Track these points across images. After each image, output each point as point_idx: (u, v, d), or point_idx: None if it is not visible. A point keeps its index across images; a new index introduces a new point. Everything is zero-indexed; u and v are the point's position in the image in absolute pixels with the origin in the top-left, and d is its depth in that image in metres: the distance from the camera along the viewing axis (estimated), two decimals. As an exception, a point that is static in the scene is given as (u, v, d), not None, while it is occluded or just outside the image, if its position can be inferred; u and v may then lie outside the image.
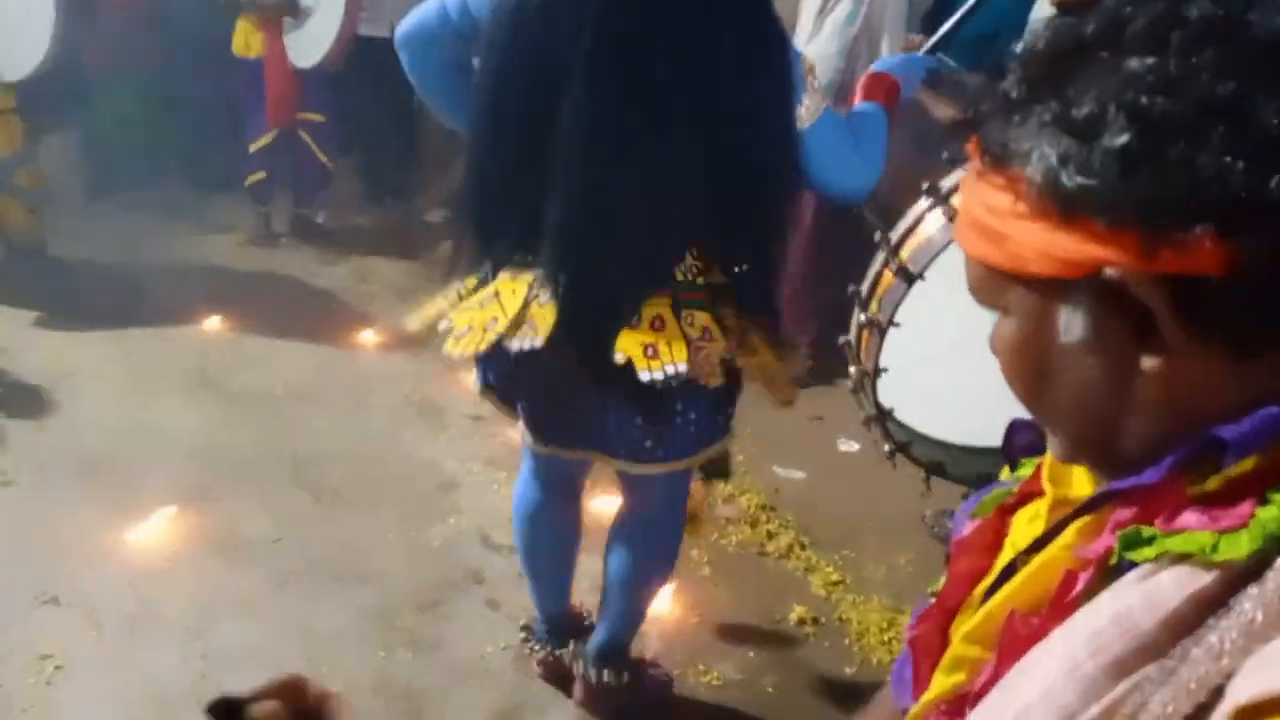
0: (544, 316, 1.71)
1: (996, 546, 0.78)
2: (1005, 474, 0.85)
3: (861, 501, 3.07)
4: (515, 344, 1.73)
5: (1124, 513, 0.60)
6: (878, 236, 1.80)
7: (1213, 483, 0.56)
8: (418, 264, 4.76)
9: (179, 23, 4.96)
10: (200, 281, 4.42)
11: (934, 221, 1.71)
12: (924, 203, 1.73)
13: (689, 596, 2.68)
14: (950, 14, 3.58)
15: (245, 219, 4.98)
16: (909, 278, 1.68)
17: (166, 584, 2.60)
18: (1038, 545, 0.68)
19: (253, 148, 4.66)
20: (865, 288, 1.81)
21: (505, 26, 1.66)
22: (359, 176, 5.50)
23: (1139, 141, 0.53)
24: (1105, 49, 0.56)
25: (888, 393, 1.80)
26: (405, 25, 1.93)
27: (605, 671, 2.25)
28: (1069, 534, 0.66)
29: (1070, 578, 0.63)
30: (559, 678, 2.36)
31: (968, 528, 0.81)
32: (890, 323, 1.72)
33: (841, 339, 1.94)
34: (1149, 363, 0.57)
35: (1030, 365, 0.64)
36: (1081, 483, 0.72)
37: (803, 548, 2.90)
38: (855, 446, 3.42)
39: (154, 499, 2.88)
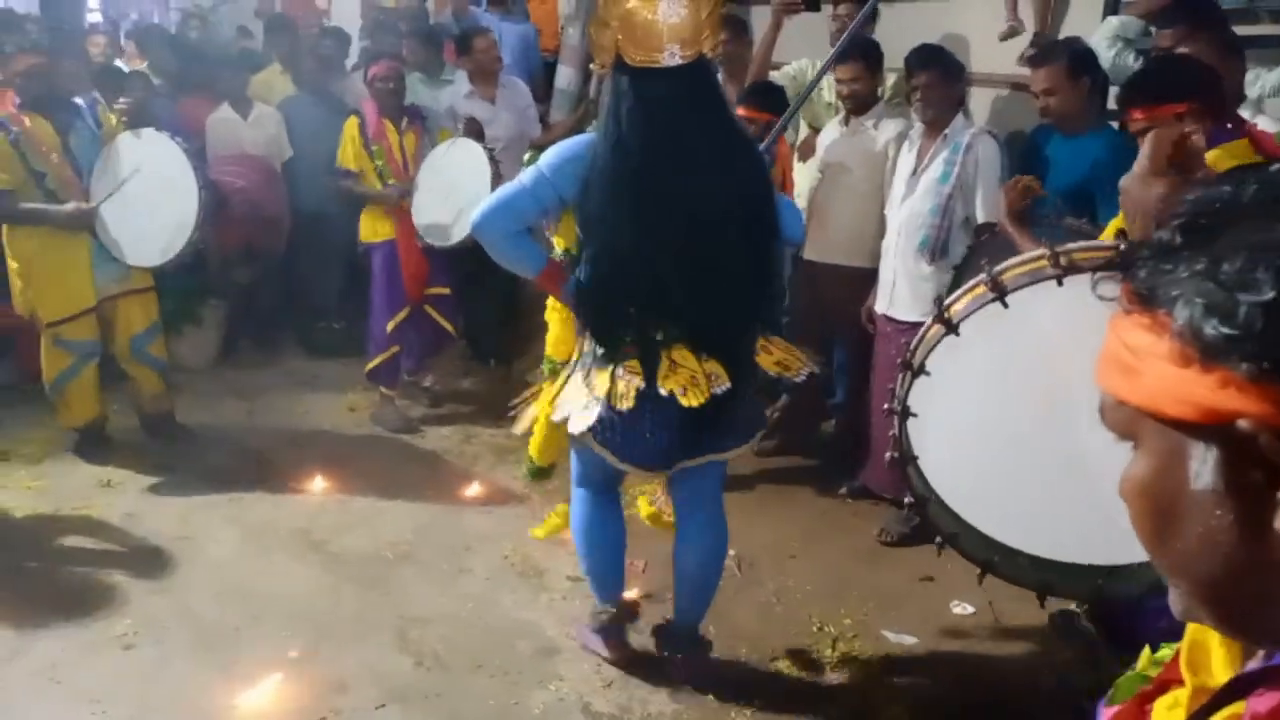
0: (717, 369, 2.50)
1: None
2: (1144, 658, 0.83)
3: (978, 668, 2.93)
4: (718, 389, 2.48)
5: (1262, 701, 0.58)
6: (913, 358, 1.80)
7: None
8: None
9: (303, 208, 5.37)
10: (311, 444, 4.60)
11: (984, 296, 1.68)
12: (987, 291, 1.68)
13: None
14: (1039, 158, 3.64)
15: (354, 383, 5.17)
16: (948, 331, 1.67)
17: (271, 751, 2.60)
18: None
19: (390, 326, 4.81)
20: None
21: (612, 196, 2.46)
22: (464, 341, 5.71)
23: None
24: (1260, 214, 0.60)
25: (937, 477, 1.76)
26: (485, 210, 2.57)
27: (698, 650, 2.93)
28: None
29: None
30: (629, 659, 2.95)
31: (1105, 715, 0.80)
32: (908, 410, 1.73)
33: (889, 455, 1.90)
34: None
35: (1157, 509, 0.64)
36: (1220, 670, 0.70)
37: (917, 720, 2.75)
38: (970, 609, 3.27)
39: (263, 664, 2.93)
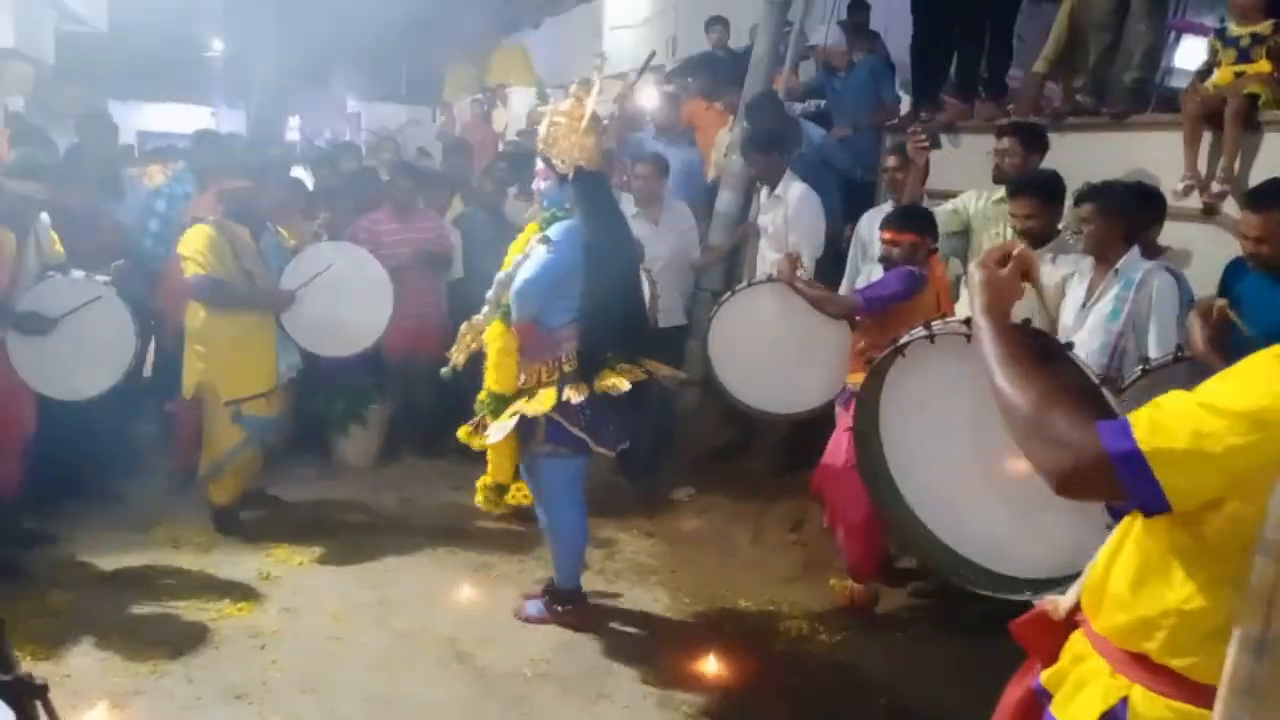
0: (652, 365, 3.80)
1: None
2: None
3: None
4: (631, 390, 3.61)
5: None
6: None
7: None
8: (660, 541, 4.85)
9: (462, 313, 5.58)
10: (461, 547, 4.69)
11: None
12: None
13: None
14: (1226, 295, 3.42)
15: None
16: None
17: None
18: None
19: None
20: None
21: (600, 265, 3.61)
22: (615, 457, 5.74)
23: None
24: None
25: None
26: (530, 281, 3.53)
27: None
28: None
29: None
30: (584, 624, 3.90)
31: None
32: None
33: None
34: None
35: None
36: None
37: None
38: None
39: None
